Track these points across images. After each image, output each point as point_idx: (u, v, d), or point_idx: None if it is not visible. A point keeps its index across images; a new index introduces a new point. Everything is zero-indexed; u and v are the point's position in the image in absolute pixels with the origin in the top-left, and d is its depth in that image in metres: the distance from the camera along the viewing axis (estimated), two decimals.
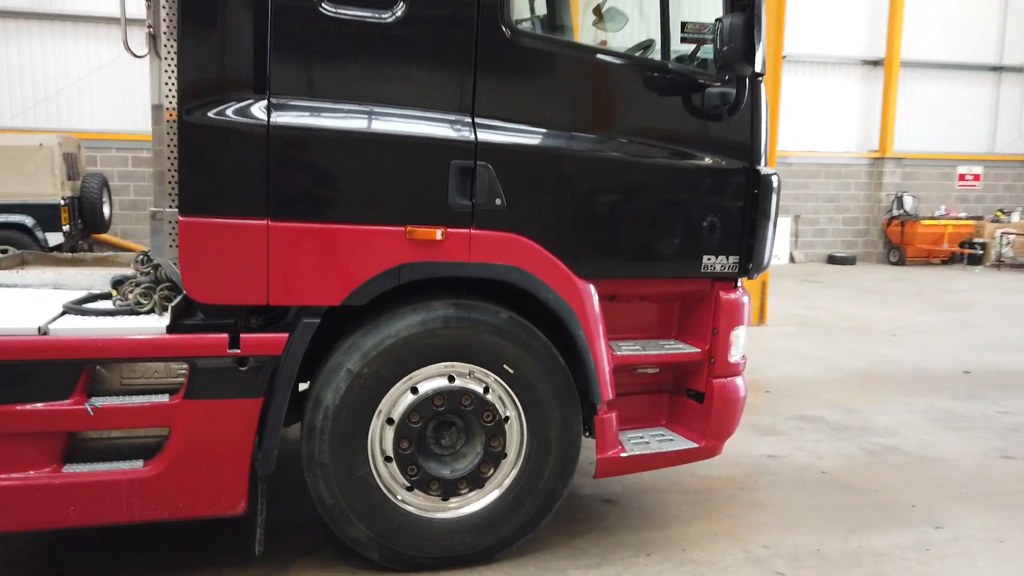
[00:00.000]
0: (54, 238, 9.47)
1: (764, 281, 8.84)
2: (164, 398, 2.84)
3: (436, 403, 3.10)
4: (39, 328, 2.72)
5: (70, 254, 4.20)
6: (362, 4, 2.89)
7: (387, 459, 3.08)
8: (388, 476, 3.10)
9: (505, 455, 3.22)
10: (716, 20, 3.19)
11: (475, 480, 3.18)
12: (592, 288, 3.26)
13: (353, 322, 3.04)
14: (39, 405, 2.69)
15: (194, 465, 2.85)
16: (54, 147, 9.45)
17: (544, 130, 3.14)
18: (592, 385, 3.24)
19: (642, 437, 3.54)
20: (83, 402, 2.74)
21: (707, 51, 3.35)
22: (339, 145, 2.89)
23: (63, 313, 2.93)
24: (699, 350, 3.50)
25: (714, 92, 3.25)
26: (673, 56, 3.42)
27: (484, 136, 3.01)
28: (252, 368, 2.86)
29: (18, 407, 2.66)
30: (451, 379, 3.12)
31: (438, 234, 2.98)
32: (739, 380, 3.59)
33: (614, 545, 3.50)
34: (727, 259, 3.43)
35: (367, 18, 2.90)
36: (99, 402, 2.76)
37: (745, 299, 3.57)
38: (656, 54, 3.35)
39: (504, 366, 3.14)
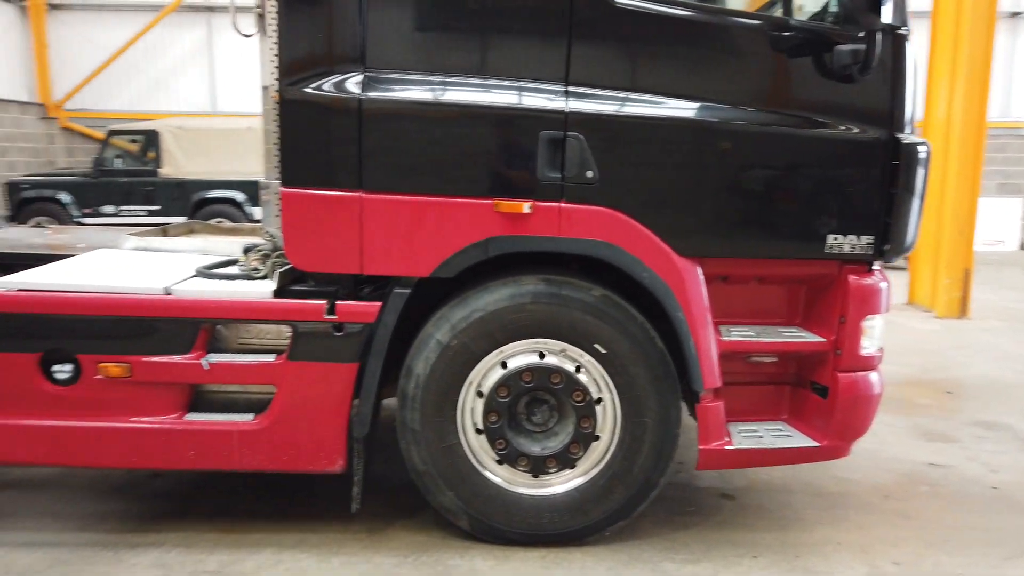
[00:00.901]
0: (259, 212, 10.53)
1: (967, 269, 7.80)
2: (271, 358, 3.06)
3: (524, 379, 3.06)
4: (165, 289, 3.04)
5: (231, 224, 4.64)
6: None
7: (477, 431, 3.11)
8: (478, 447, 3.12)
9: (597, 437, 3.12)
10: None
11: (564, 460, 3.12)
12: (697, 268, 3.05)
13: (445, 294, 3.08)
14: (163, 358, 3.00)
15: (296, 422, 3.04)
16: (260, 129, 10.46)
17: (642, 97, 2.96)
18: (693, 371, 3.05)
19: (756, 431, 3.27)
20: (200, 358, 3.02)
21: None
22: (427, 117, 2.92)
23: (193, 276, 3.24)
24: (824, 340, 3.16)
25: (844, 51, 2.87)
26: (803, 11, 3.09)
27: (576, 105, 2.89)
28: (348, 334, 3.00)
29: (145, 358, 2.99)
30: (541, 356, 3.07)
31: (526, 207, 2.92)
32: (873, 376, 3.20)
33: (720, 542, 3.28)
34: (858, 239, 3.06)
35: None
36: (214, 358, 3.03)
37: (883, 285, 3.16)
38: (777, 9, 3.04)
39: (596, 346, 3.03)
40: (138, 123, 12.34)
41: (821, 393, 3.22)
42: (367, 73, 2.88)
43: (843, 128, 3.01)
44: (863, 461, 4.14)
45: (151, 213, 11.28)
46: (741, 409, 3.34)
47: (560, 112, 2.89)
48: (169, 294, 3.03)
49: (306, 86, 2.86)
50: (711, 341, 3.07)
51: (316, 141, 2.92)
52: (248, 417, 3.08)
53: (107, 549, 3.09)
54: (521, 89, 2.93)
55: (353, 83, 2.86)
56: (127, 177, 11.58)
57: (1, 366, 2.98)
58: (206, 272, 3.27)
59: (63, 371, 3.02)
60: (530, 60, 2.94)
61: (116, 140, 11.85)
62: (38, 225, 11.01)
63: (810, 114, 3.02)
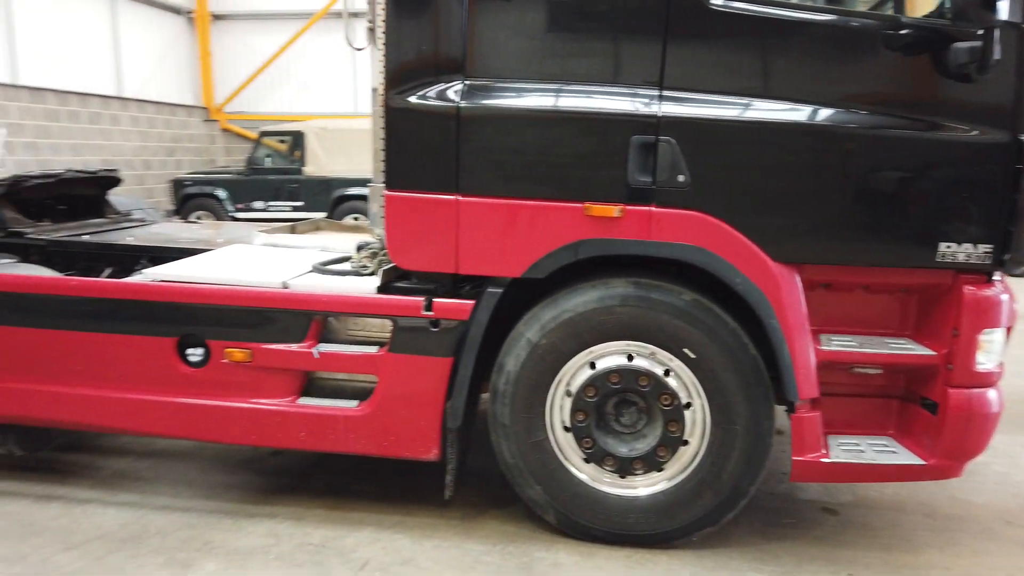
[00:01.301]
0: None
1: None
2: (373, 350, 3.27)
3: (612, 380, 3.10)
4: (282, 283, 3.31)
5: (353, 222, 4.93)
6: None
7: (565, 428, 3.18)
8: (565, 444, 3.19)
9: (685, 442, 3.11)
10: None
11: (651, 462, 3.13)
12: (794, 274, 2.98)
13: (539, 294, 3.17)
14: (279, 346, 3.27)
15: (394, 411, 3.23)
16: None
17: (737, 100, 2.92)
18: (787, 380, 2.98)
19: (858, 445, 3.15)
20: (311, 347, 3.27)
21: None
22: (520, 123, 3.01)
23: (309, 272, 3.50)
24: (934, 353, 3.00)
25: (960, 48, 2.71)
26: (916, 8, 2.93)
27: (668, 109, 2.90)
28: (443, 330, 3.15)
29: (264, 346, 3.27)
30: (630, 358, 3.10)
31: (616, 211, 2.96)
32: (990, 393, 3.00)
33: (814, 557, 3.19)
34: (974, 248, 2.87)
35: None
36: (324, 348, 3.28)
37: (1003, 297, 2.96)
38: (889, 7, 2.90)
39: (685, 350, 3.02)
40: (286, 124, 13.23)
41: (931, 409, 3.06)
42: (466, 82, 3.02)
43: (959, 130, 2.84)
44: (990, 483, 3.88)
45: (295, 209, 12.07)
46: (844, 421, 3.23)
47: (653, 117, 2.91)
48: (286, 288, 3.30)
49: (410, 95, 3.03)
50: (808, 350, 2.99)
51: (418, 147, 3.08)
52: (353, 404, 3.30)
53: (228, 517, 3.41)
54: (614, 94, 2.97)
55: (453, 92, 3.01)
56: (275, 175, 12.45)
57: (144, 347, 3.36)
58: (321, 268, 3.53)
59: (195, 354, 3.36)
60: (624, 65, 2.98)
61: (266, 140, 12.76)
62: (197, 219, 12.07)
63: (923, 115, 2.88)
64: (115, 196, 5.43)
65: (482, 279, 3.18)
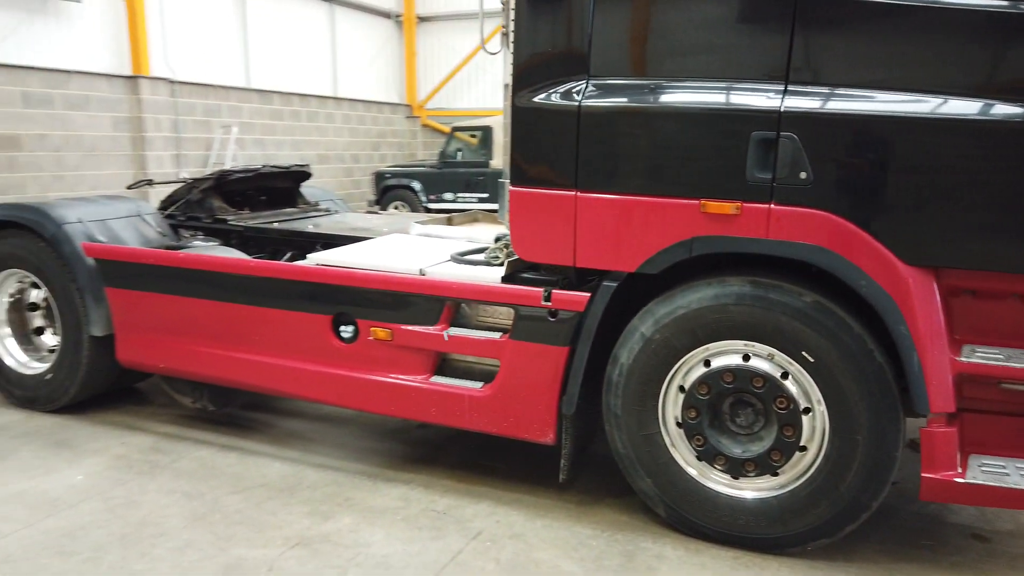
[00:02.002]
0: None
1: None
2: (497, 336, 3.47)
3: (725, 379, 3.07)
4: (420, 270, 3.61)
5: None
6: None
7: (677, 424, 3.20)
8: (676, 440, 3.21)
9: (802, 448, 3.01)
10: None
11: (764, 465, 3.07)
12: (930, 279, 2.78)
13: (655, 289, 3.20)
14: (415, 327, 3.57)
15: (514, 394, 3.42)
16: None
17: (866, 93, 2.77)
18: (916, 391, 2.80)
19: (1003, 467, 2.88)
20: (443, 330, 3.54)
21: None
22: (637, 119, 3.06)
23: (447, 260, 3.77)
24: None
25: None
26: None
27: (790, 104, 2.82)
28: (560, 320, 3.28)
29: (402, 327, 3.58)
30: (746, 358, 3.05)
31: (732, 208, 2.92)
32: None
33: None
34: None
35: None
36: (453, 332, 3.53)
37: None
38: None
39: (803, 353, 2.93)
40: (479, 120, 13.88)
41: None
42: (591, 81, 3.12)
43: None
44: None
45: (481, 200, 12.66)
46: (992, 442, 2.96)
47: (774, 111, 2.84)
48: (423, 275, 3.60)
49: (535, 95, 3.19)
50: (943, 361, 2.79)
51: (540, 144, 3.23)
52: (478, 385, 3.53)
53: (369, 479, 3.78)
54: (734, 89, 2.93)
55: (576, 91, 3.12)
56: (465, 168, 13.14)
57: (306, 322, 3.81)
58: (458, 258, 3.79)
59: (347, 331, 3.76)
60: (747, 59, 2.93)
61: (458, 135, 13.49)
62: (395, 208, 13.00)
63: None
64: (308, 188, 6.09)
65: (600, 272, 3.27)
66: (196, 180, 5.12)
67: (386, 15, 17.14)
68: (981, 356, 2.82)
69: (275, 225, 4.99)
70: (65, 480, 3.74)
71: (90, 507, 3.46)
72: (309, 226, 4.98)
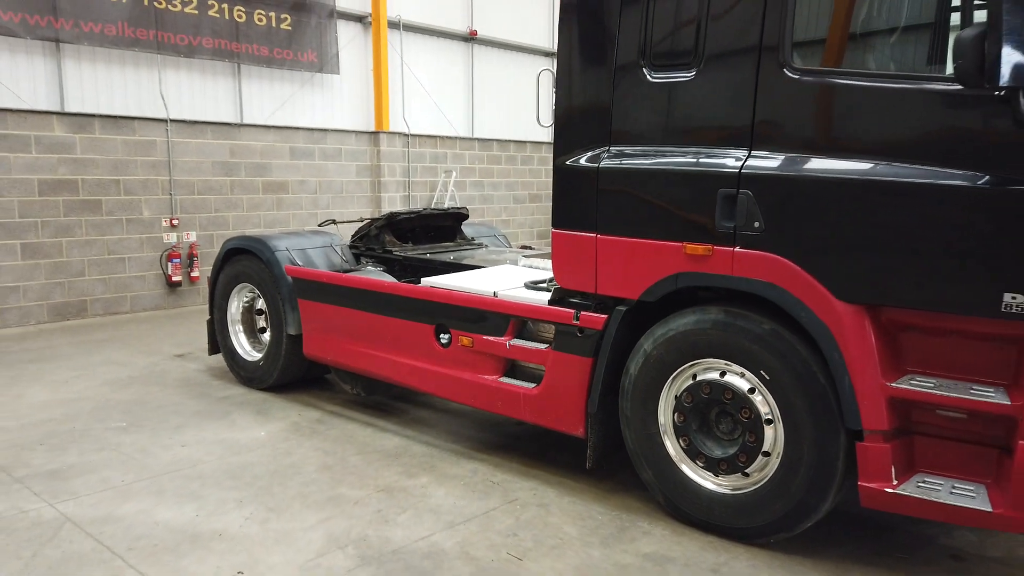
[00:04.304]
0: None
1: None
2: (543, 346, 4.37)
3: (704, 391, 3.71)
4: (494, 292, 4.62)
5: None
6: (674, 69, 3.74)
7: (672, 425, 3.87)
8: (669, 439, 3.88)
9: (764, 453, 3.56)
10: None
11: (733, 465, 3.65)
12: (862, 313, 3.26)
13: (662, 314, 3.92)
14: (488, 337, 4.58)
15: (554, 393, 4.29)
16: None
17: (807, 157, 3.33)
18: (847, 409, 3.27)
19: (940, 485, 3.23)
20: (507, 341, 4.51)
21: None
22: (637, 178, 3.84)
23: (520, 287, 4.75)
24: (1008, 403, 2.99)
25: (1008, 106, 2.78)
26: None
27: (748, 166, 3.46)
28: (586, 336, 4.11)
29: (480, 336, 4.61)
30: (723, 374, 3.67)
31: (706, 250, 3.60)
32: None
33: None
34: None
35: (677, 79, 3.74)
36: (514, 342, 4.49)
37: None
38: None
39: (761, 371, 3.51)
40: None
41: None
42: (610, 149, 3.96)
43: (1018, 183, 2.85)
44: None
45: None
46: (942, 464, 3.32)
47: (735, 172, 3.50)
48: (495, 296, 4.61)
49: (568, 159, 4.10)
50: (875, 385, 3.23)
51: (573, 197, 4.12)
52: (531, 386, 4.45)
53: (455, 455, 4.83)
54: (709, 155, 3.62)
55: (595, 157, 3.98)
56: None
57: (417, 330, 4.98)
58: (530, 285, 4.75)
59: (444, 337, 4.87)
60: (721, 131, 3.60)
61: None
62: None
63: (980, 170, 2.94)
64: (473, 225, 7.38)
65: (616, 299, 4.06)
66: (373, 220, 6.59)
67: None
68: (912, 383, 3.22)
69: (427, 256, 6.29)
70: (253, 435, 5.24)
71: (261, 452, 4.89)
72: (450, 257, 6.21)
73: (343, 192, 12.81)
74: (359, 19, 12.55)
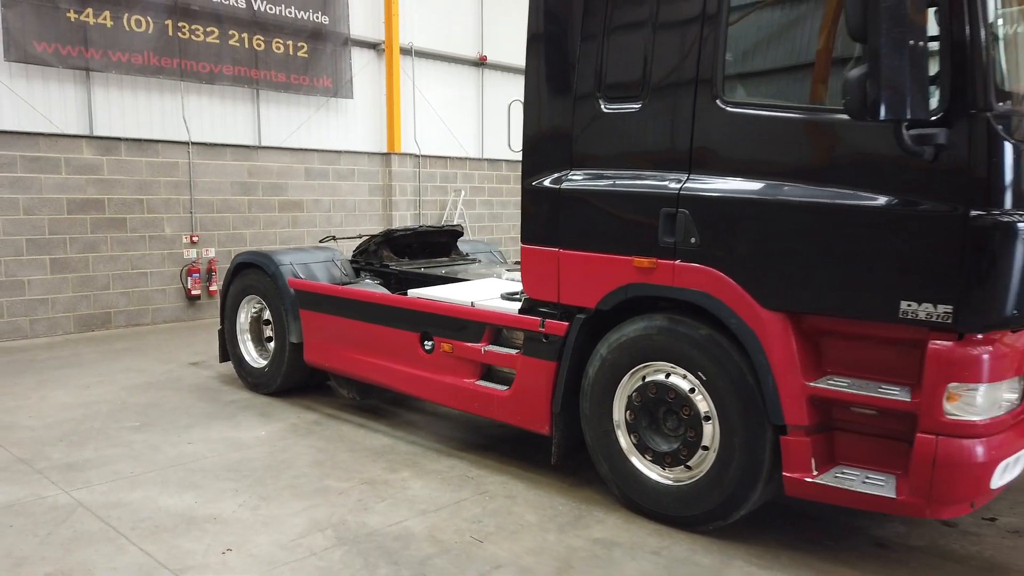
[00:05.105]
0: None
1: None
2: (513, 351, 4.76)
3: (651, 391, 4.08)
4: (471, 303, 5.03)
5: None
6: (624, 101, 4.15)
7: (624, 423, 4.24)
8: (622, 436, 4.25)
9: (704, 447, 3.91)
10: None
11: (676, 459, 4.01)
12: (785, 320, 3.61)
13: (617, 322, 4.30)
14: (466, 343, 4.99)
15: (523, 395, 4.67)
16: None
17: (734, 179, 3.71)
18: (771, 406, 3.62)
19: (855, 475, 3.57)
20: (482, 347, 4.91)
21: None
22: (591, 198, 4.23)
23: (496, 297, 5.15)
24: (908, 400, 3.33)
25: (912, 135, 3.12)
26: None
27: (686, 188, 3.84)
28: (551, 342, 4.50)
29: (459, 343, 5.02)
30: (667, 376, 4.04)
31: (650, 263, 3.98)
32: (966, 443, 3.20)
33: (804, 565, 3.66)
34: (934, 307, 3.19)
35: (627, 109, 4.14)
36: (488, 348, 4.89)
37: (977, 353, 3.17)
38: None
39: (699, 373, 3.87)
40: None
41: None
42: (571, 172, 4.37)
43: (916, 203, 3.21)
44: None
45: None
46: (860, 457, 3.65)
47: (675, 193, 3.88)
48: (472, 306, 5.02)
49: (535, 181, 4.51)
50: (796, 384, 3.58)
51: (538, 215, 4.52)
52: (503, 388, 4.84)
53: (436, 453, 5.22)
54: (654, 178, 4.01)
55: (557, 179, 4.39)
56: None
57: (403, 337, 5.40)
58: (506, 296, 5.15)
59: (428, 344, 5.28)
60: (664, 156, 3.99)
61: None
62: None
63: (875, 191, 3.31)
64: (470, 242, 7.82)
65: (577, 308, 4.44)
66: (372, 236, 7.04)
67: None
68: (829, 383, 3.56)
69: (421, 270, 6.72)
70: (254, 434, 5.68)
71: (260, 450, 5.32)
72: (442, 271, 6.64)
73: (356, 211, 13.33)
74: (373, 46, 13.12)
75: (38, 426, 5.83)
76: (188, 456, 5.17)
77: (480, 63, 14.86)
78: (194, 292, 10.79)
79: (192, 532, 4.01)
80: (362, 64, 13.01)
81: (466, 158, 14.94)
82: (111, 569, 3.62)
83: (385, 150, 13.60)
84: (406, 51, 13.49)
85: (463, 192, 14.54)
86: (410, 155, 13.88)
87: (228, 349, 7.08)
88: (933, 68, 3.11)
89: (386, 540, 3.93)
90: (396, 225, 13.54)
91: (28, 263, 9.47)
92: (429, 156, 14.23)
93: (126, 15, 9.96)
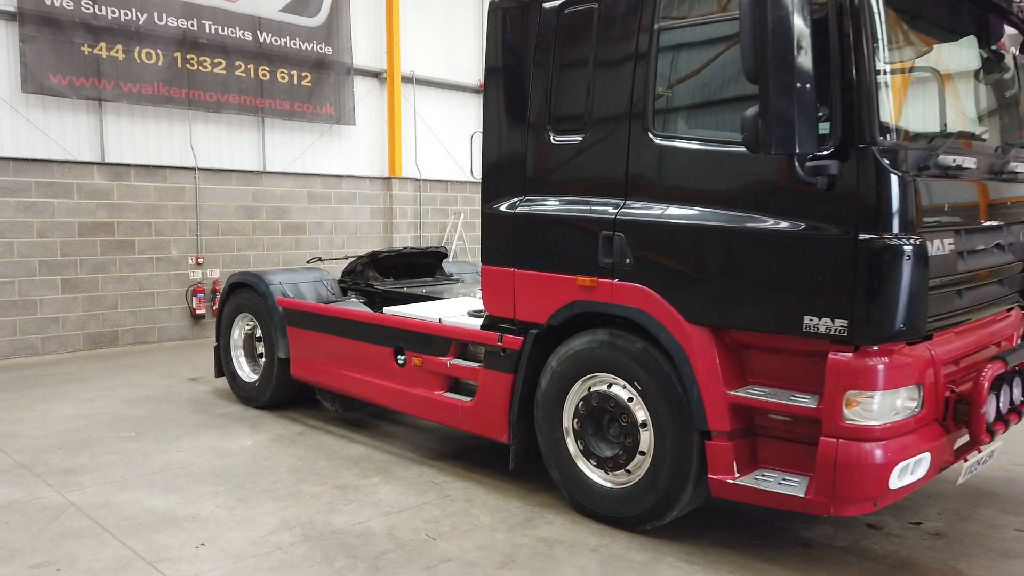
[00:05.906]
0: None
1: None
2: (475, 364, 5.10)
3: (594, 400, 4.40)
4: (439, 319, 5.39)
5: None
6: (569, 133, 4.52)
7: (572, 431, 4.56)
8: (570, 443, 4.56)
9: (641, 453, 4.22)
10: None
11: (616, 464, 4.32)
12: (708, 334, 3.94)
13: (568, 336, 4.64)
14: (434, 358, 5.34)
15: (484, 405, 5.00)
16: None
17: (662, 205, 4.06)
18: (696, 413, 3.94)
19: (772, 477, 3.86)
20: (448, 360, 5.26)
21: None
22: (540, 222, 4.59)
23: (464, 315, 5.50)
24: (815, 407, 3.63)
25: (808, 165, 3.45)
26: None
27: (621, 213, 4.19)
28: (508, 355, 4.84)
29: (427, 357, 5.37)
30: (609, 386, 4.36)
31: (591, 282, 4.33)
32: (865, 446, 3.50)
33: (727, 561, 3.95)
34: (832, 322, 3.51)
35: (571, 141, 4.51)
36: (454, 361, 5.24)
37: (872, 363, 3.48)
38: None
39: (635, 383, 4.20)
40: None
41: None
42: (524, 198, 4.73)
43: (814, 227, 3.54)
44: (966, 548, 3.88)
45: None
46: (780, 460, 3.95)
47: (612, 218, 4.24)
48: (440, 322, 5.37)
49: (492, 205, 4.88)
50: (718, 393, 3.90)
51: (496, 237, 4.88)
52: (467, 399, 5.17)
53: (408, 461, 5.56)
54: (595, 204, 4.36)
55: (512, 204, 4.76)
56: None
57: (378, 352, 5.76)
58: (472, 313, 5.50)
59: (400, 359, 5.64)
60: (604, 185, 4.35)
61: None
62: None
63: (778, 216, 3.65)
64: (455, 264, 8.19)
65: (530, 324, 4.78)
66: (359, 257, 7.44)
67: None
68: (748, 392, 3.88)
69: (404, 289, 7.10)
70: (241, 443, 6.04)
71: (244, 457, 5.68)
72: (424, 290, 7.01)
73: (357, 233, 13.76)
74: (375, 75, 13.63)
75: (40, 435, 6.23)
76: (176, 463, 5.54)
77: (480, 90, 15.32)
78: (199, 311, 11.24)
79: (171, 529, 4.37)
80: (365, 92, 13.51)
81: (466, 181, 15.36)
82: (94, 560, 3.98)
83: (386, 174, 14.06)
84: (407, 79, 14.00)
85: (463, 214, 14.95)
86: (411, 179, 14.33)
87: (223, 365, 7.47)
88: (826, 107, 3.46)
89: (348, 537, 4.26)
90: (396, 246, 13.97)
91: (41, 283, 9.96)
92: (430, 180, 14.67)
93: (137, 48, 10.51)
